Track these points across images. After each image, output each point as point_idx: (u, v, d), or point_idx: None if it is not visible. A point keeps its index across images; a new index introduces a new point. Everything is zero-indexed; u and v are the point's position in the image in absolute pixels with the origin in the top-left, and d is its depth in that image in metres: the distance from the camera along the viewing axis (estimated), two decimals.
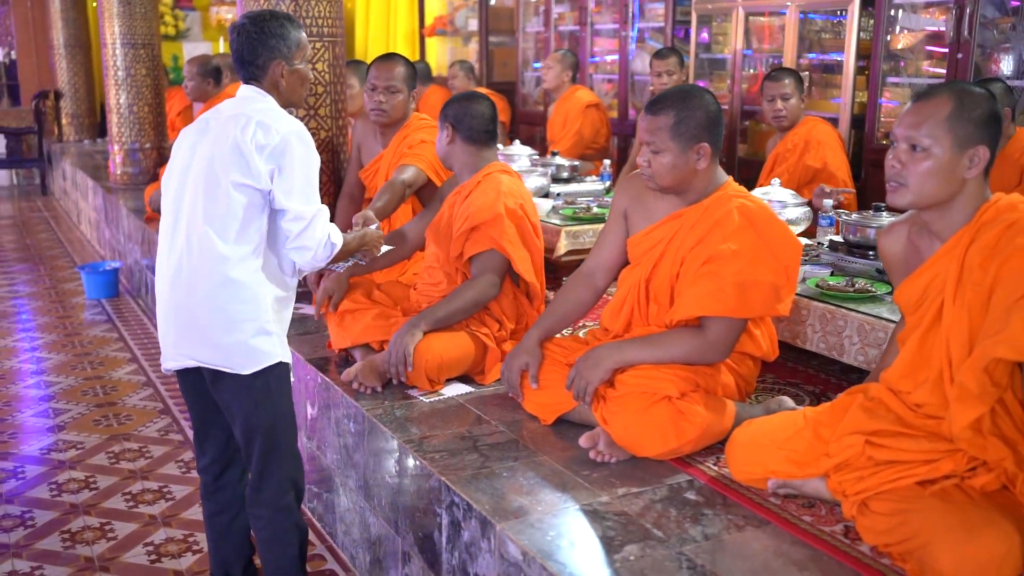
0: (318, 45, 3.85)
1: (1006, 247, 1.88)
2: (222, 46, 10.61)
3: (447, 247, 3.08)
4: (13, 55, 11.65)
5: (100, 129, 10.20)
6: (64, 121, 10.32)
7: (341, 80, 3.97)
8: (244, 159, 2.26)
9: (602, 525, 2.10)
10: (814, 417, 2.23)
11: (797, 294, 2.94)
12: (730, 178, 2.59)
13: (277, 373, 2.36)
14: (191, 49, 10.68)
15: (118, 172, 7.28)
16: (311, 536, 3.10)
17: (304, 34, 2.48)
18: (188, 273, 2.31)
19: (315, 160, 2.35)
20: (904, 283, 2.11)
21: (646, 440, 2.36)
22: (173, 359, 2.41)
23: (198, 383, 2.44)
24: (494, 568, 2.14)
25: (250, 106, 2.35)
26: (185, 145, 2.40)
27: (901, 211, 2.41)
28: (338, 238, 2.42)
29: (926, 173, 1.96)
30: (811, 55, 5.23)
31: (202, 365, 2.35)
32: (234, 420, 2.41)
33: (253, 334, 2.30)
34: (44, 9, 10.44)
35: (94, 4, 9.83)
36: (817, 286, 2.96)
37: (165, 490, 3.47)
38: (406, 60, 3.64)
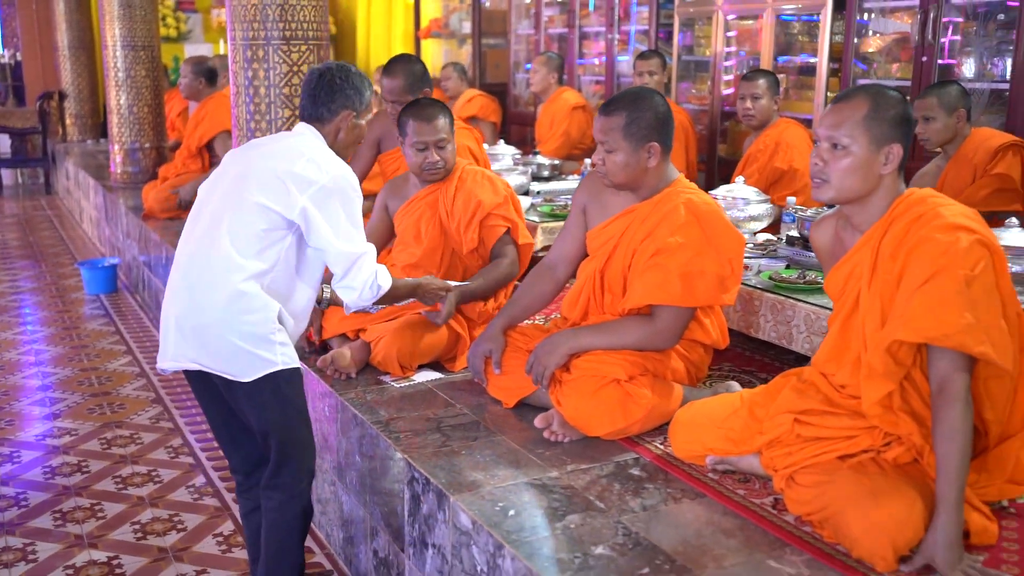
0: (303, 48, 4.00)
1: (913, 238, 2.03)
2: (223, 47, 10.80)
3: (440, 245, 3.24)
4: (18, 56, 11.86)
5: (103, 129, 10.37)
6: (68, 121, 10.51)
7: None
8: (282, 186, 2.35)
9: (548, 497, 2.25)
10: (750, 398, 2.38)
11: (752, 286, 3.09)
12: (681, 175, 2.74)
13: (285, 378, 2.39)
14: (192, 50, 10.87)
15: (118, 171, 7.45)
16: None
17: (372, 98, 2.63)
18: (200, 278, 2.37)
19: (359, 202, 2.45)
20: (830, 272, 2.26)
21: (595, 420, 2.52)
22: (172, 359, 2.42)
23: (208, 386, 2.47)
24: (448, 537, 2.29)
25: (304, 142, 2.48)
26: (232, 157, 2.54)
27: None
28: (385, 280, 2.52)
29: (846, 169, 2.11)
30: (786, 57, 5.38)
31: (204, 369, 2.38)
32: (249, 421, 2.47)
33: (255, 344, 2.33)
34: (49, 11, 10.63)
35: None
36: (771, 278, 3.11)
37: (154, 473, 3.63)
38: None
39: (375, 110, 4.66)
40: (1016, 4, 4.08)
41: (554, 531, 2.09)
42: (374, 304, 2.63)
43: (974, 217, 2.07)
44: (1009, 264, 2.66)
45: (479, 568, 2.15)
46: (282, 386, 2.39)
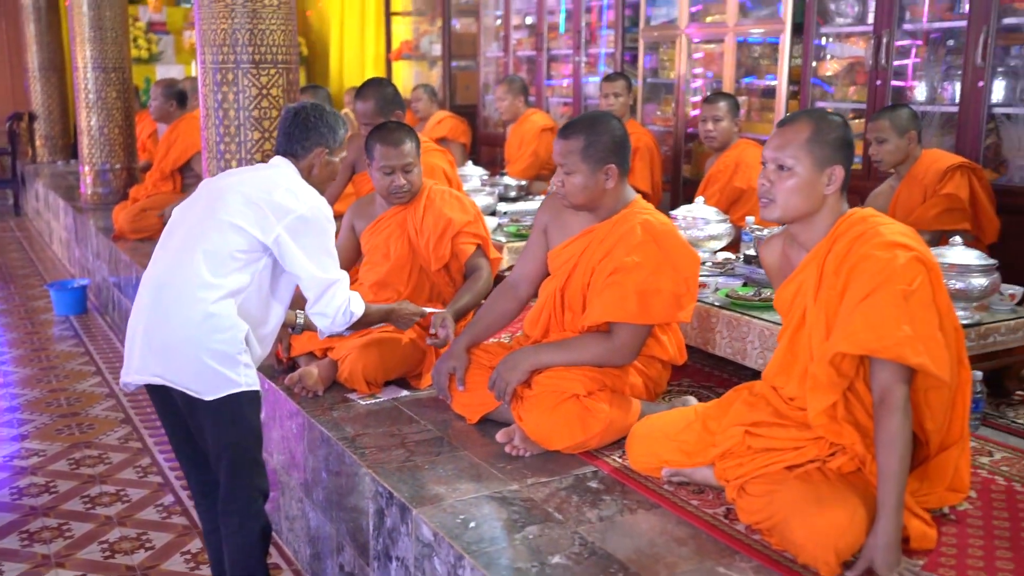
0: (272, 72, 4.06)
1: (854, 255, 2.12)
2: (194, 69, 10.82)
3: (408, 263, 3.31)
4: None
5: (73, 150, 10.35)
6: (38, 143, 10.49)
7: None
8: (259, 210, 2.43)
9: (508, 509, 2.31)
10: (704, 411, 2.46)
11: (709, 303, 3.18)
12: (638, 196, 2.83)
13: (246, 399, 2.44)
14: (164, 71, 10.89)
15: (89, 192, 7.46)
16: None
17: (346, 136, 2.75)
18: (172, 295, 2.40)
19: (333, 230, 2.56)
20: (779, 289, 2.35)
21: (555, 434, 2.58)
22: (136, 372, 2.45)
23: (170, 404, 2.50)
24: (411, 550, 2.35)
25: (280, 173, 2.58)
26: (208, 182, 2.64)
27: None
28: (358, 307, 2.62)
29: (791, 190, 2.20)
30: (749, 79, 5.51)
31: (168, 385, 2.41)
32: (205, 440, 2.50)
33: (222, 362, 2.37)
34: (19, 33, 10.62)
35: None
36: (727, 295, 3.20)
37: (122, 493, 3.65)
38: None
39: (349, 133, 4.74)
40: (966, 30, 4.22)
41: (512, 542, 2.16)
42: (347, 330, 2.69)
43: (911, 235, 2.17)
44: (953, 281, 2.78)
45: None
46: (243, 407, 2.44)
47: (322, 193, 2.66)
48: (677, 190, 5.86)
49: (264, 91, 4.02)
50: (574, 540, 2.16)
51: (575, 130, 2.69)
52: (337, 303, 2.55)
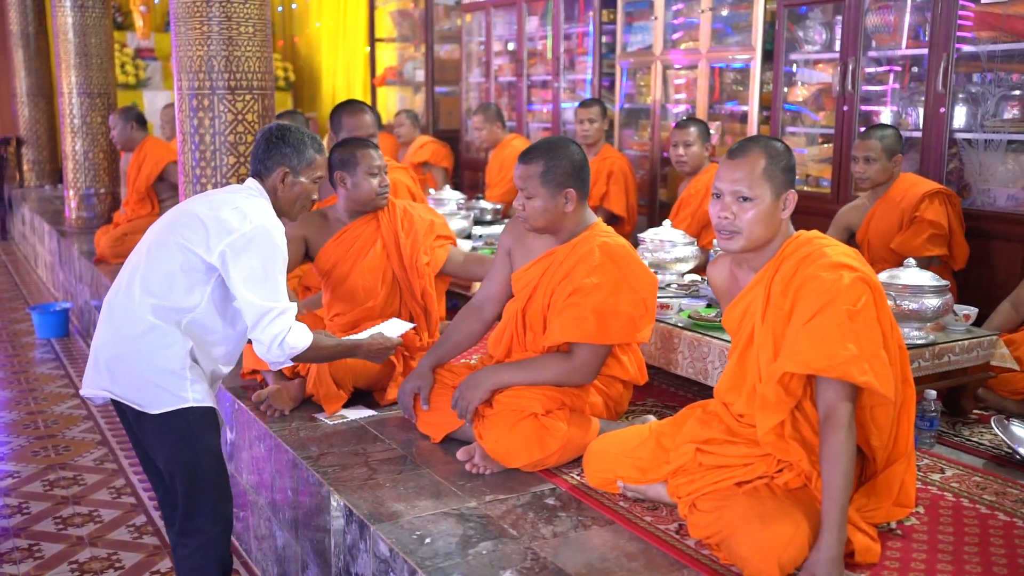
0: (248, 97, 4.14)
1: (800, 276, 2.18)
2: None
3: (381, 271, 3.37)
4: None
5: (60, 175, 10.41)
6: (25, 167, 10.54)
7: None
8: (204, 229, 2.41)
9: (464, 526, 2.36)
10: (658, 429, 2.51)
11: (672, 324, 3.24)
12: (598, 220, 2.89)
13: (195, 416, 2.40)
14: (151, 97, 10.98)
15: (73, 216, 7.51)
16: None
17: (322, 159, 2.67)
18: (119, 310, 2.44)
19: (280, 257, 2.46)
20: (727, 309, 2.41)
21: (514, 452, 2.63)
22: (89, 386, 2.50)
23: (125, 416, 2.51)
24: (370, 567, 2.38)
25: (240, 193, 2.56)
26: (176, 204, 2.66)
27: None
28: (299, 340, 2.47)
29: (755, 220, 2.24)
30: (727, 104, 5.60)
31: (114, 398, 2.42)
32: (157, 457, 2.48)
33: (164, 377, 2.37)
34: (8, 58, 10.70)
35: None
36: (689, 317, 3.26)
37: (95, 514, 3.67)
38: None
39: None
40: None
41: (466, 557, 2.20)
42: (293, 361, 2.55)
43: (856, 257, 2.23)
44: (907, 302, 2.85)
45: None
46: (192, 424, 2.40)
47: (293, 216, 2.67)
48: (653, 213, 5.94)
49: (240, 116, 4.09)
50: (526, 555, 2.20)
51: (534, 155, 2.76)
52: (272, 332, 2.44)
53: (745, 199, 2.25)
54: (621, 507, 2.46)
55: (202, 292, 2.42)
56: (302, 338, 2.49)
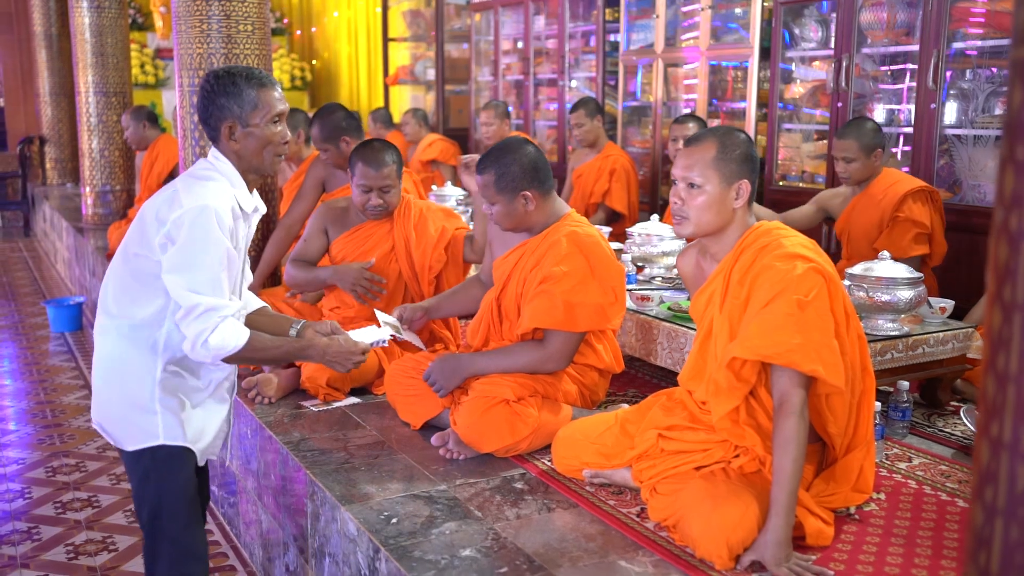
0: None
1: (757, 266, 2.23)
2: None
3: (386, 271, 3.45)
4: (1, 103, 12.12)
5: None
6: (48, 165, 10.75)
7: None
8: (143, 227, 2.17)
9: (431, 508, 2.42)
10: (624, 416, 2.56)
11: (652, 315, 3.29)
12: (571, 211, 2.94)
13: (164, 454, 2.19)
14: (170, 96, 11.16)
15: (90, 213, 7.67)
16: (218, 536, 3.42)
17: (270, 93, 2.24)
18: (96, 334, 2.28)
19: (213, 243, 2.11)
20: (693, 298, 2.46)
21: (485, 438, 2.69)
22: (93, 415, 2.32)
23: None
24: (340, 546, 2.46)
25: (193, 172, 2.24)
26: None
27: None
28: (228, 340, 2.13)
29: (702, 207, 2.31)
30: (722, 102, 5.63)
31: (99, 431, 2.27)
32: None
33: (132, 410, 2.18)
34: (31, 59, 10.92)
35: None
36: (669, 308, 3.30)
37: (93, 499, 3.78)
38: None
39: (311, 155, 4.89)
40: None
41: (429, 537, 2.26)
42: (226, 361, 2.24)
43: (812, 248, 2.27)
44: (880, 294, 2.88)
45: (363, 571, 2.32)
46: (157, 464, 2.17)
47: (268, 169, 2.27)
48: (655, 210, 5.97)
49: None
50: (488, 535, 2.27)
51: (485, 165, 2.82)
52: (197, 328, 2.10)
53: (693, 186, 2.30)
54: (587, 491, 2.51)
55: (164, 297, 2.17)
56: (232, 338, 2.15)
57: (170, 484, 2.21)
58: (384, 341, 2.69)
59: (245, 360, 2.26)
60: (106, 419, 2.23)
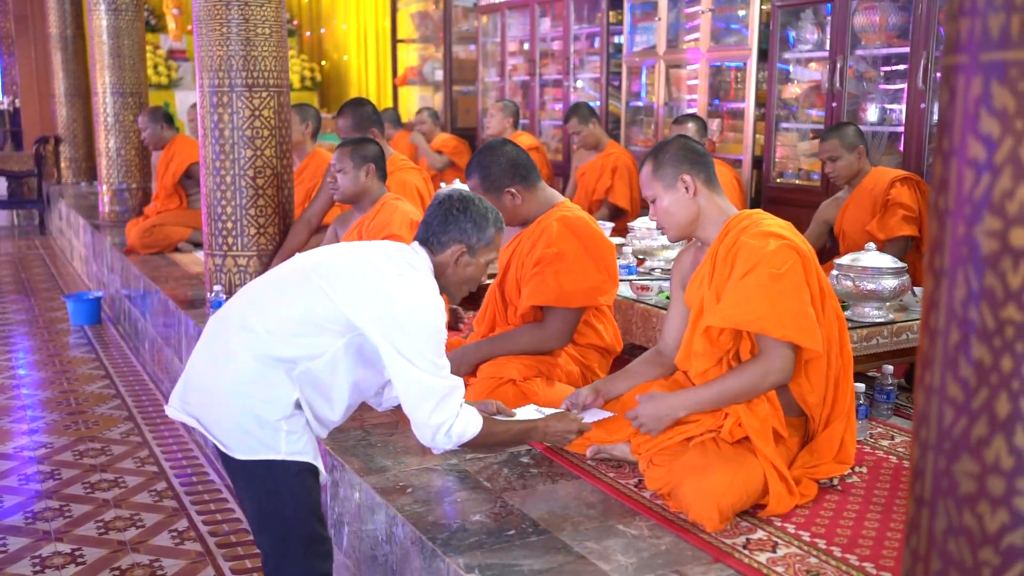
0: (264, 94, 4.42)
1: (737, 244, 2.45)
2: None
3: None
4: (17, 103, 12.35)
5: (95, 172, 10.81)
6: (63, 165, 10.96)
7: (285, 124, 4.54)
8: (360, 285, 2.12)
9: (444, 479, 2.61)
10: (625, 396, 2.74)
11: (651, 304, 3.47)
12: (564, 199, 3.13)
13: (293, 470, 2.12)
14: (183, 97, 11.37)
15: (106, 210, 7.87)
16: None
17: (500, 238, 2.34)
18: (220, 341, 2.18)
19: (443, 339, 2.14)
20: (688, 284, 2.65)
21: None
22: (175, 408, 2.23)
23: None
24: (359, 515, 2.64)
25: (406, 259, 2.20)
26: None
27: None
28: (469, 427, 2.15)
29: (665, 213, 2.58)
30: (720, 102, 5.81)
31: (200, 428, 2.16)
32: (244, 506, 2.26)
33: (257, 425, 2.09)
34: (47, 60, 11.13)
35: None
36: (667, 297, 3.48)
37: (120, 480, 3.97)
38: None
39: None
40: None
41: (442, 504, 2.45)
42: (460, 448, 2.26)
43: (787, 228, 2.50)
44: (866, 282, 3.06)
45: (380, 537, 2.50)
46: (287, 478, 2.12)
47: (455, 299, 2.40)
48: None
49: (256, 112, 4.38)
50: (496, 503, 2.45)
51: (469, 171, 3.04)
52: (441, 417, 2.11)
53: (654, 201, 2.58)
54: (589, 465, 2.69)
55: (330, 345, 2.10)
56: (472, 424, 2.16)
57: (302, 495, 2.18)
58: (603, 415, 2.67)
59: (474, 447, 2.31)
60: (216, 425, 2.13)
